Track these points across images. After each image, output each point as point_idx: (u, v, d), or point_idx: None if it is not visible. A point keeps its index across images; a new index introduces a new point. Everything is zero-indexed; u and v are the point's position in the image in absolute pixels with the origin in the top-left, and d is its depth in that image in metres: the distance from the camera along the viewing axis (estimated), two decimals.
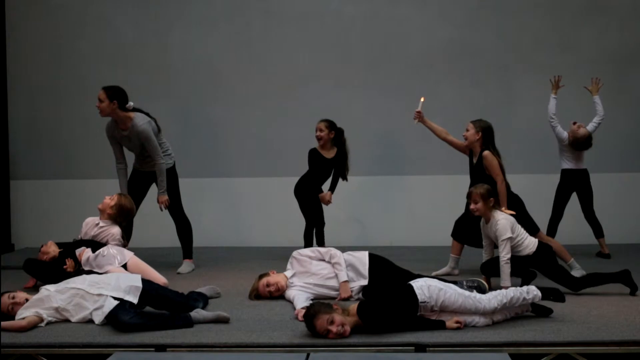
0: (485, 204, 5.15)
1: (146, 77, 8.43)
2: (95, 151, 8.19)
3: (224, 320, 4.49)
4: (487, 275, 5.41)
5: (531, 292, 4.41)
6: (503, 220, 5.10)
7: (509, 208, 5.75)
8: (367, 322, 4.09)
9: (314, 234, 6.91)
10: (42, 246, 5.65)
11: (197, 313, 4.49)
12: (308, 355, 3.79)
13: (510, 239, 5.06)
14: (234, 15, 8.52)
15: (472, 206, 5.21)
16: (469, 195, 5.27)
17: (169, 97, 8.44)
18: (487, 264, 5.38)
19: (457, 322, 4.19)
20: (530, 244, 5.17)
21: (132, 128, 6.15)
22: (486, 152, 5.95)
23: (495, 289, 4.68)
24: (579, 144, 6.87)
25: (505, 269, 5.02)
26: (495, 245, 5.30)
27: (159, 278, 5.30)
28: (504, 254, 5.03)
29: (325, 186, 6.97)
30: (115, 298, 4.42)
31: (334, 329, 4.01)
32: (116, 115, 6.14)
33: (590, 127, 6.97)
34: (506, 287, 4.84)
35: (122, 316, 4.27)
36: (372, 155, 8.44)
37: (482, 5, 8.45)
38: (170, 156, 6.44)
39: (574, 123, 6.92)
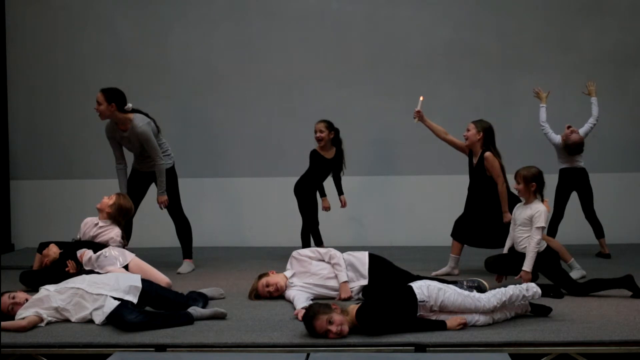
0: (527, 187, 5.19)
1: (146, 77, 8.43)
2: (95, 151, 8.19)
3: (221, 317, 4.50)
4: (491, 271, 5.43)
5: (531, 289, 4.40)
6: (545, 211, 5.16)
7: (509, 209, 5.77)
8: (366, 330, 4.09)
9: (311, 234, 6.92)
10: (39, 246, 5.65)
11: (194, 310, 4.50)
12: (308, 355, 3.79)
13: (543, 229, 5.13)
14: (234, 15, 8.52)
15: (514, 186, 5.30)
16: (515, 175, 5.31)
17: (169, 97, 8.44)
18: (492, 261, 5.40)
19: (460, 323, 4.19)
20: (541, 242, 5.19)
21: (131, 129, 6.15)
22: (488, 154, 5.95)
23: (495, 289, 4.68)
24: (571, 149, 6.91)
25: (534, 254, 5.07)
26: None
27: (162, 278, 5.30)
28: (536, 243, 5.08)
29: (329, 189, 7.00)
30: (115, 298, 4.42)
31: (333, 328, 4.01)
32: (115, 117, 6.15)
33: (584, 129, 6.99)
34: (527, 271, 5.01)
35: (127, 315, 4.27)
36: (372, 155, 8.44)
37: (482, 5, 8.45)
38: (169, 156, 6.44)
39: (568, 127, 6.94)
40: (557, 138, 6.96)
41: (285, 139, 8.41)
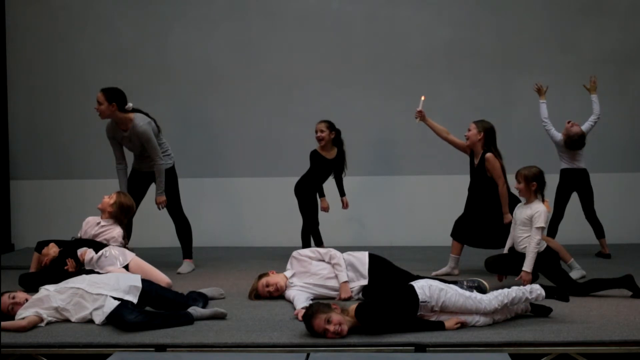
0: (527, 186, 5.19)
1: (146, 77, 8.43)
2: (95, 151, 8.19)
3: (221, 317, 4.50)
4: (491, 271, 5.43)
5: (534, 291, 4.38)
6: (544, 211, 5.15)
7: (509, 210, 5.77)
8: (366, 326, 4.09)
9: (311, 234, 6.92)
10: (37, 245, 5.64)
11: (194, 310, 4.50)
12: (308, 355, 3.79)
13: (542, 229, 5.12)
14: (234, 15, 8.52)
15: (515, 185, 5.29)
16: (516, 174, 5.30)
17: (169, 97, 8.44)
18: (492, 261, 5.40)
19: (457, 322, 4.19)
20: (541, 242, 5.19)
21: (132, 129, 6.15)
22: (489, 155, 5.94)
23: (495, 289, 4.68)
24: (572, 142, 6.89)
25: (533, 255, 5.07)
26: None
27: (162, 278, 5.30)
28: (536, 243, 5.08)
29: (328, 189, 7.00)
30: (115, 298, 4.42)
31: (331, 327, 4.00)
32: (116, 117, 6.15)
33: (585, 126, 6.99)
34: (527, 272, 5.00)
35: (127, 315, 4.26)
36: (372, 155, 8.44)
37: (482, 5, 8.45)
38: (169, 156, 6.44)
39: (568, 122, 6.94)
40: (559, 136, 6.96)
41: (285, 139, 8.41)
